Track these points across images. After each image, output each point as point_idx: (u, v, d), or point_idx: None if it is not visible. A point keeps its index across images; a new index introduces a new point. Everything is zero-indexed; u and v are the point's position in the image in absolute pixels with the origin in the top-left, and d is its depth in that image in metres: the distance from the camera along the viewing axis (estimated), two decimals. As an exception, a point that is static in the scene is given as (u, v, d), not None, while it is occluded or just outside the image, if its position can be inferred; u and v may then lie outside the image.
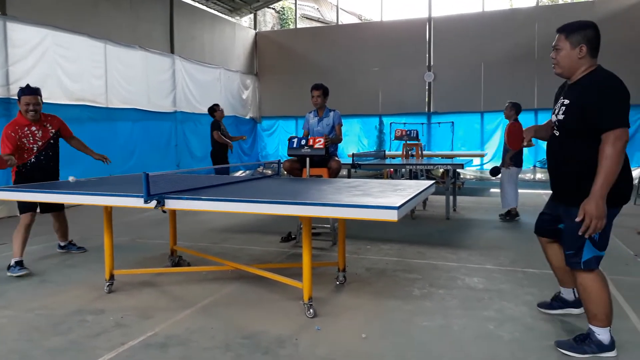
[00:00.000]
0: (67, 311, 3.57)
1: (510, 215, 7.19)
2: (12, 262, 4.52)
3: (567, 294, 3.35)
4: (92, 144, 9.36)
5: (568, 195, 2.84)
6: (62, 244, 5.37)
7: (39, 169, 4.79)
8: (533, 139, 3.36)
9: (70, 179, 4.32)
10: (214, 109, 9.45)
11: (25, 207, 4.65)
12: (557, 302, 3.40)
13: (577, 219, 2.64)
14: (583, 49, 2.74)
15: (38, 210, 4.84)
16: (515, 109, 7.16)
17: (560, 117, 2.84)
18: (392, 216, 2.69)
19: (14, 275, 4.42)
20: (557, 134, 2.90)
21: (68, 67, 9.07)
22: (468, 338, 3.07)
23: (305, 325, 3.28)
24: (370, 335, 3.11)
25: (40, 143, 4.79)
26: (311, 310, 3.40)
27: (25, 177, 4.71)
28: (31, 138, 4.73)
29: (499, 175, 7.39)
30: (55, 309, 3.63)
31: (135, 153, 10.71)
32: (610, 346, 2.76)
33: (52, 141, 4.90)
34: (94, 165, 9.00)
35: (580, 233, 2.64)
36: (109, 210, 3.96)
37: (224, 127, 9.62)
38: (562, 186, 2.93)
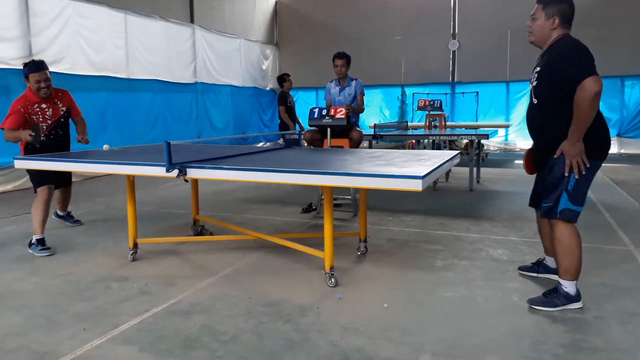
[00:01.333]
0: (92, 278, 3.64)
1: None
2: (33, 240, 4.31)
3: (551, 262, 3.48)
4: (114, 115, 9.58)
5: (549, 156, 3.02)
6: (61, 213, 5.23)
7: (48, 148, 4.49)
8: None
9: (105, 147, 4.30)
10: (283, 79, 8.85)
11: (42, 181, 4.40)
12: (541, 267, 3.58)
13: (555, 155, 2.90)
14: (556, 20, 2.94)
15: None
16: None
17: (534, 83, 3.04)
18: (417, 186, 2.64)
19: (37, 254, 4.22)
20: (534, 102, 3.06)
21: (90, 38, 9.07)
22: (492, 309, 3.04)
23: (327, 294, 3.28)
24: (392, 305, 3.10)
25: (50, 121, 4.53)
26: (332, 280, 3.40)
27: (34, 149, 4.39)
28: (40, 116, 4.46)
29: None
30: (81, 275, 3.70)
31: (157, 124, 10.76)
32: (577, 297, 3.00)
33: (62, 120, 4.65)
34: (115, 136, 9.18)
35: (566, 174, 2.87)
36: (131, 179, 3.97)
37: (292, 99, 9.03)
38: (543, 149, 3.10)
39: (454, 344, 2.60)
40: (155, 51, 10.73)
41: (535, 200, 3.35)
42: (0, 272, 3.81)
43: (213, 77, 12.74)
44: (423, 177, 2.66)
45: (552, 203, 2.96)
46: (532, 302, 3.05)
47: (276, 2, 16.09)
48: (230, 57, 13.54)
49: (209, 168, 3.27)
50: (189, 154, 3.96)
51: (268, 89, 15.50)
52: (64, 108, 4.65)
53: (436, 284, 3.46)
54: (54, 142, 4.61)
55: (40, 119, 4.46)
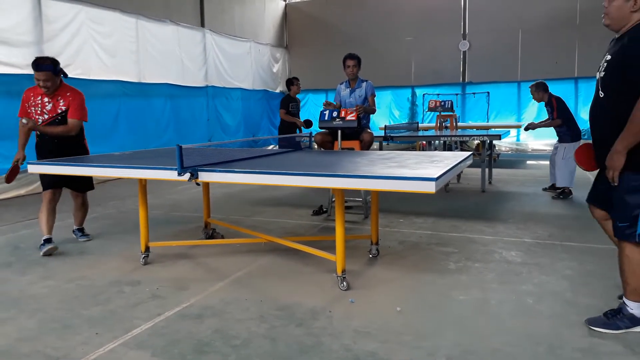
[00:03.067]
0: (105, 282, 3.65)
1: (564, 194, 6.62)
2: (42, 241, 4.38)
3: None
4: (127, 119, 9.63)
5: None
6: (74, 227, 5.00)
7: (43, 143, 4.50)
8: None
9: None
10: (291, 82, 8.91)
11: (46, 184, 4.44)
12: None
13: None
14: (638, 1, 2.51)
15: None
16: (543, 88, 6.78)
17: (602, 74, 2.67)
18: (430, 188, 2.61)
19: (41, 253, 4.28)
20: (600, 95, 2.69)
21: (103, 43, 9.16)
22: (506, 312, 2.99)
23: (339, 297, 3.26)
24: (405, 308, 3.07)
25: (46, 116, 4.43)
26: (344, 283, 3.38)
27: (37, 147, 4.56)
28: (39, 109, 4.42)
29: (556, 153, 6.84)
30: (94, 279, 3.72)
31: (168, 128, 10.83)
32: None
33: (59, 118, 4.46)
34: (127, 139, 9.23)
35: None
36: (143, 183, 3.99)
37: (298, 105, 9.02)
38: (605, 151, 2.65)
39: (469, 348, 2.56)
40: (167, 55, 10.81)
41: (596, 198, 2.92)
42: (15, 276, 3.84)
43: (224, 80, 12.80)
44: (436, 179, 2.63)
45: (629, 223, 2.57)
46: (592, 322, 2.74)
47: (286, 5, 16.14)
48: (241, 60, 13.60)
49: (221, 171, 3.26)
50: (201, 157, 3.96)
51: (278, 91, 15.52)
52: (63, 107, 4.47)
53: (450, 287, 3.42)
54: (48, 139, 4.48)
55: (38, 112, 4.43)
